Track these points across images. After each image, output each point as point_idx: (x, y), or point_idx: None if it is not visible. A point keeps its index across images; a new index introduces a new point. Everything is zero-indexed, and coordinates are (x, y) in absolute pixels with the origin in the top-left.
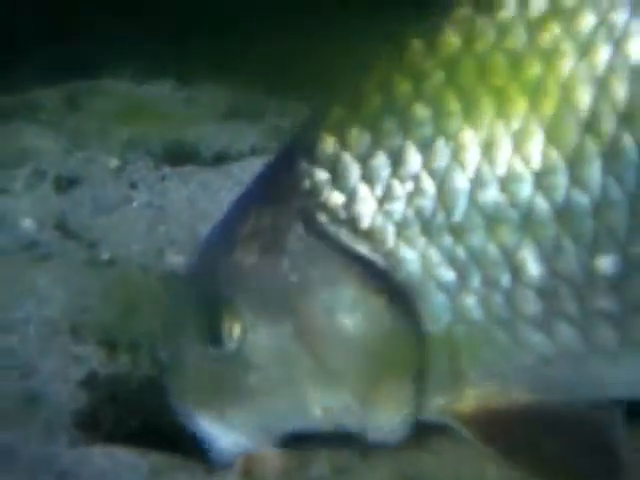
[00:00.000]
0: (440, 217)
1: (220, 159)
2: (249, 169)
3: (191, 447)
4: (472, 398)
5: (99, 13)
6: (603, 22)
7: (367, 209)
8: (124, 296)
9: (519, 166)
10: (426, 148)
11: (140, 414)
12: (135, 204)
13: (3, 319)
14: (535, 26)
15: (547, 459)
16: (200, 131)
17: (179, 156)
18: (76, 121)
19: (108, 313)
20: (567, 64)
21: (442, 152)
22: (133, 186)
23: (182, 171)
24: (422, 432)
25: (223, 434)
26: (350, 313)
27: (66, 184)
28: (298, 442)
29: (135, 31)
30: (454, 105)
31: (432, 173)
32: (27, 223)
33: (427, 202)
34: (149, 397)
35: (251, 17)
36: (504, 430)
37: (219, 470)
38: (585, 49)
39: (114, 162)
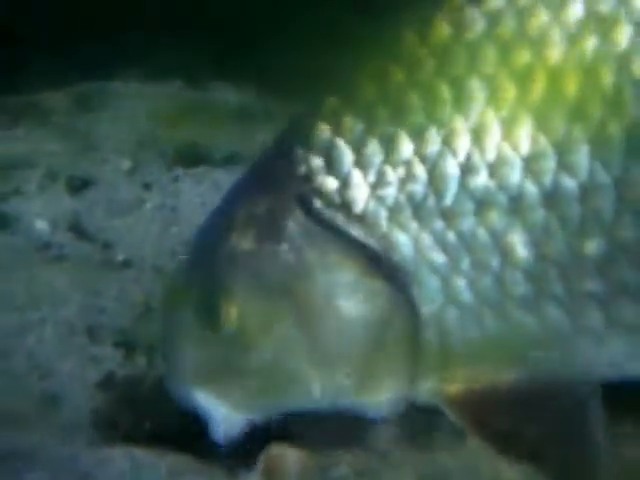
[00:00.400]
0: (431, 202)
1: (232, 160)
2: None
3: (209, 448)
4: (462, 379)
5: (108, 14)
6: (590, 11)
7: (360, 194)
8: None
9: (508, 152)
10: (418, 135)
11: (158, 415)
12: (148, 205)
13: (20, 319)
14: (524, 15)
15: (530, 446)
16: (211, 132)
17: (191, 157)
18: (87, 123)
19: (124, 314)
20: (555, 52)
21: (433, 139)
22: (146, 187)
23: (194, 172)
24: (442, 433)
25: (223, 413)
26: (346, 296)
27: (79, 185)
28: (319, 443)
29: (142, 32)
30: (445, 93)
31: (423, 159)
32: (41, 224)
33: (419, 187)
34: (167, 398)
35: (258, 19)
36: (489, 413)
37: (240, 471)
38: (573, 37)
39: (126, 163)
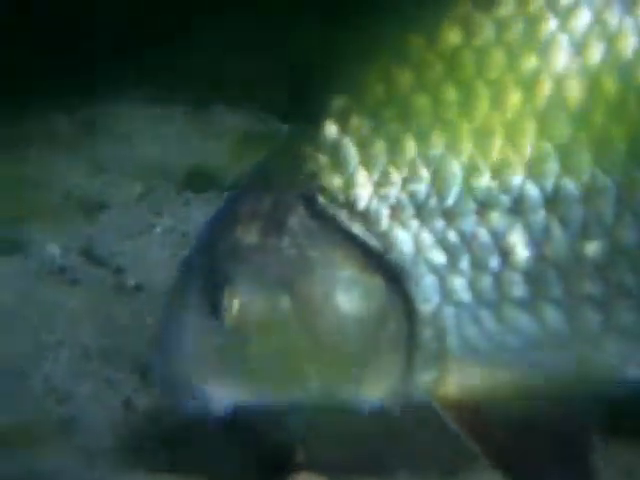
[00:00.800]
0: (433, 202)
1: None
2: None
3: (233, 470)
4: (458, 379)
5: (113, 38)
6: (597, 19)
7: (364, 193)
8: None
9: (511, 154)
10: (423, 136)
11: (179, 439)
12: (159, 230)
13: (35, 343)
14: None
15: (520, 460)
16: (218, 156)
17: (200, 181)
18: (94, 146)
19: (138, 339)
20: (561, 58)
21: (438, 140)
22: (156, 212)
23: (204, 197)
24: (464, 458)
25: (220, 405)
26: (345, 291)
27: (90, 210)
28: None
29: (146, 55)
30: (451, 96)
31: (427, 160)
32: (53, 249)
33: (421, 187)
34: (187, 421)
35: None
36: (484, 424)
37: None
38: (579, 45)
39: (136, 188)
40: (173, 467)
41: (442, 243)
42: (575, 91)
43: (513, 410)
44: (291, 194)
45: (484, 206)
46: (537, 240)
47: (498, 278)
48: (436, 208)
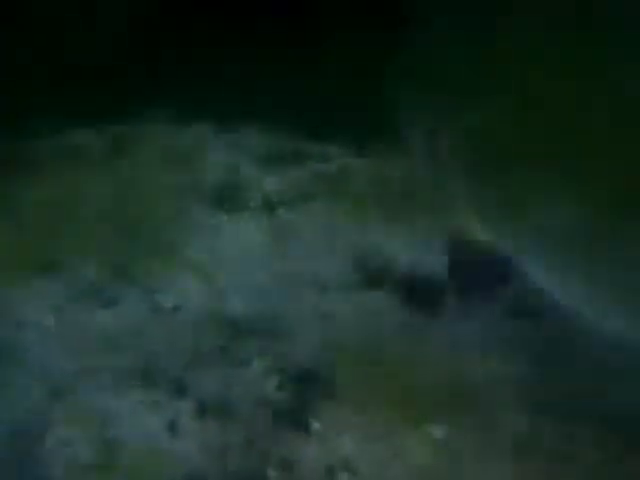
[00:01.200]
0: None
1: (272, 204)
2: (302, 215)
3: None
4: None
5: (138, 57)
6: None
7: None
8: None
9: None
10: None
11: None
12: (193, 249)
13: (77, 365)
14: None
15: None
16: (247, 176)
17: (231, 201)
18: (122, 166)
19: (176, 360)
20: None
21: None
22: (189, 231)
23: (236, 216)
24: None
25: None
26: None
27: (122, 229)
28: None
29: (169, 73)
30: None
31: None
32: (88, 269)
33: None
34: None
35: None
36: None
37: None
38: None
39: (168, 208)
40: None
41: None
42: None
43: None
44: None
45: None
46: None
47: None
48: None
